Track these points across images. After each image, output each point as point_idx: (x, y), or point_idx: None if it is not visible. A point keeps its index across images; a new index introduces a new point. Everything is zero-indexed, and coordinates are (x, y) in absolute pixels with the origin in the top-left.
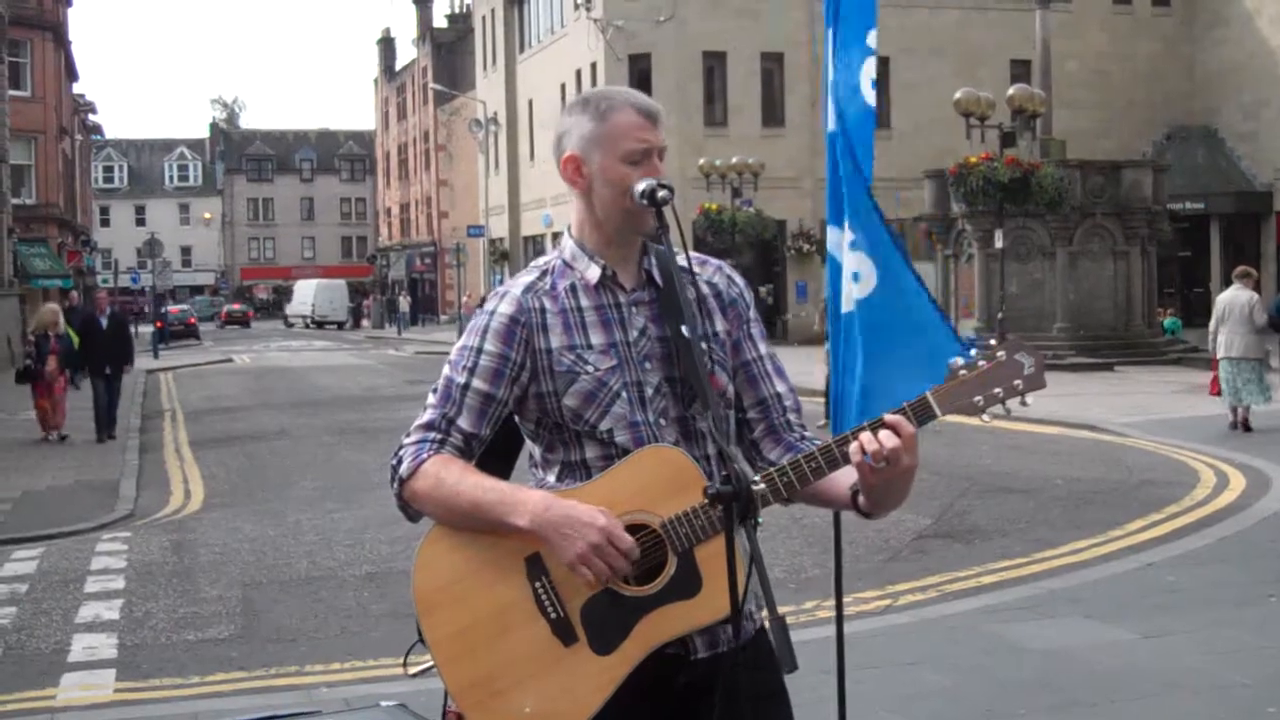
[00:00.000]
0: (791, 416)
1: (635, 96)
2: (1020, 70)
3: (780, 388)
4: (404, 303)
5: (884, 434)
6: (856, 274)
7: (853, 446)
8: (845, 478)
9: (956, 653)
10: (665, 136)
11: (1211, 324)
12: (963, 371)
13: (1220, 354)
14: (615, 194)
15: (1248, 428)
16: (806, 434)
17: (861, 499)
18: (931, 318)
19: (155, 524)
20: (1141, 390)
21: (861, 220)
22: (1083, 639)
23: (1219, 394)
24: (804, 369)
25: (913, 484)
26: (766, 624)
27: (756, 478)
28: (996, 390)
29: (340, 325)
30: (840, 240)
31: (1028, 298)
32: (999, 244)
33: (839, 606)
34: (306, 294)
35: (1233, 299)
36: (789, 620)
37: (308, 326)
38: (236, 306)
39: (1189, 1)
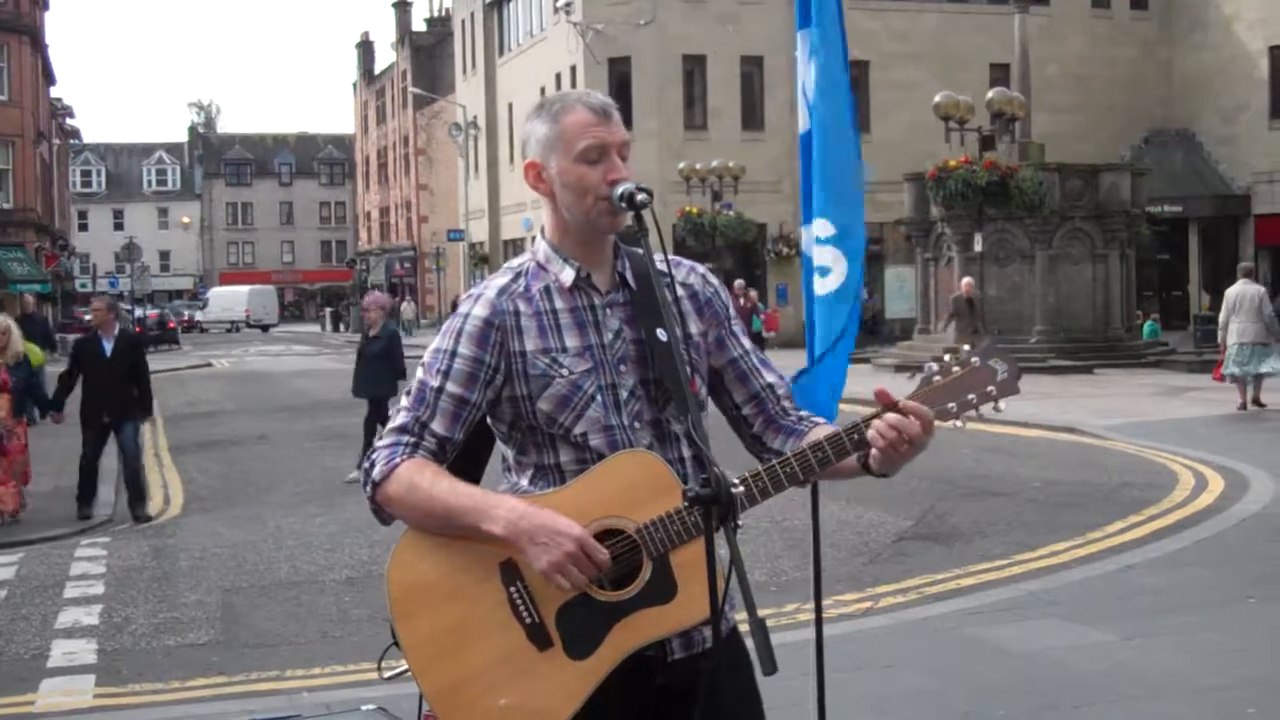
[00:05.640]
0: (786, 404)
1: (587, 95)
2: (1000, 74)
3: (771, 378)
4: (409, 309)
5: (895, 419)
6: (824, 269)
7: (870, 434)
8: None
9: (936, 655)
10: (634, 135)
11: (1222, 316)
12: (937, 377)
13: (1233, 340)
14: (574, 195)
15: (1259, 404)
16: (803, 413)
17: (875, 465)
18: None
19: (135, 529)
20: (1121, 393)
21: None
22: (1062, 641)
23: (1222, 379)
24: (788, 372)
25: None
26: (745, 625)
27: (735, 480)
28: (970, 396)
29: (266, 329)
30: (811, 238)
31: (1007, 301)
32: (978, 247)
33: (818, 609)
34: (234, 300)
35: (1242, 292)
36: (769, 623)
37: (236, 330)
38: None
39: (1168, 6)
